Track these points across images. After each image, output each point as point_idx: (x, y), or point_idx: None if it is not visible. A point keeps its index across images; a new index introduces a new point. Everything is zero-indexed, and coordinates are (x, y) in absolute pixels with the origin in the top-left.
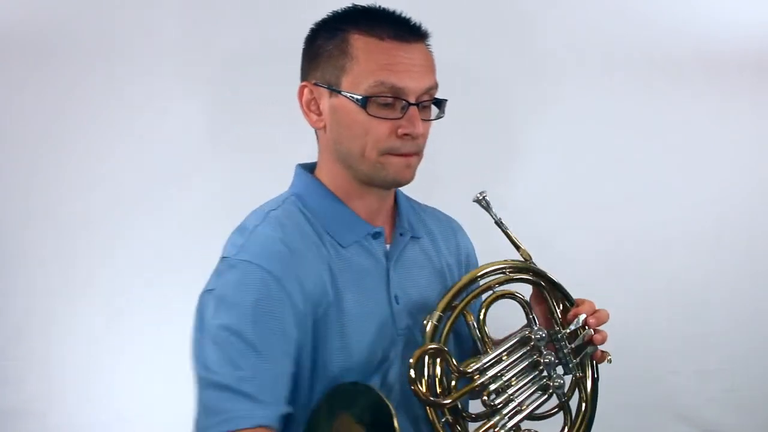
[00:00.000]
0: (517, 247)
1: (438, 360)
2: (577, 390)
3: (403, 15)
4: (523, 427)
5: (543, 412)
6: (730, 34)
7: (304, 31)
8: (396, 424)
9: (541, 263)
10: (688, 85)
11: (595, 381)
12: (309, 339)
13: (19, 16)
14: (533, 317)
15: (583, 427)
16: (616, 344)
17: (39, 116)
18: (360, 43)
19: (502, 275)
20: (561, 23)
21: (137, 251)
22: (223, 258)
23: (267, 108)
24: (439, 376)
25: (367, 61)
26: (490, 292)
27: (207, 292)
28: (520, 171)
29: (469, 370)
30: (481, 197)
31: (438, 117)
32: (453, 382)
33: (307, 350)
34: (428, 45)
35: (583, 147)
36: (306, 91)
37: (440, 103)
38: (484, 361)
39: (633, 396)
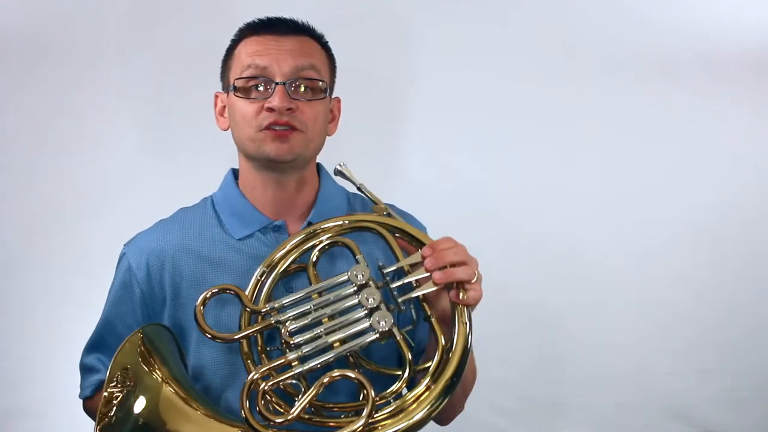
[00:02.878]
0: (375, 203)
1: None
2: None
3: (291, 19)
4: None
5: (391, 371)
6: (730, 34)
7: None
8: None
9: (540, 262)
10: (687, 85)
11: (465, 325)
12: (157, 319)
13: (20, 16)
14: (359, 258)
15: (445, 377)
16: (617, 344)
17: (39, 116)
18: (243, 44)
19: (340, 225)
20: (561, 23)
21: None
22: (124, 245)
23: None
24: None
25: (243, 54)
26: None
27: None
28: (520, 171)
29: (263, 309)
30: (342, 167)
31: (321, 98)
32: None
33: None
34: (318, 39)
35: (582, 147)
36: (218, 99)
37: (325, 89)
38: (286, 300)
39: (633, 396)
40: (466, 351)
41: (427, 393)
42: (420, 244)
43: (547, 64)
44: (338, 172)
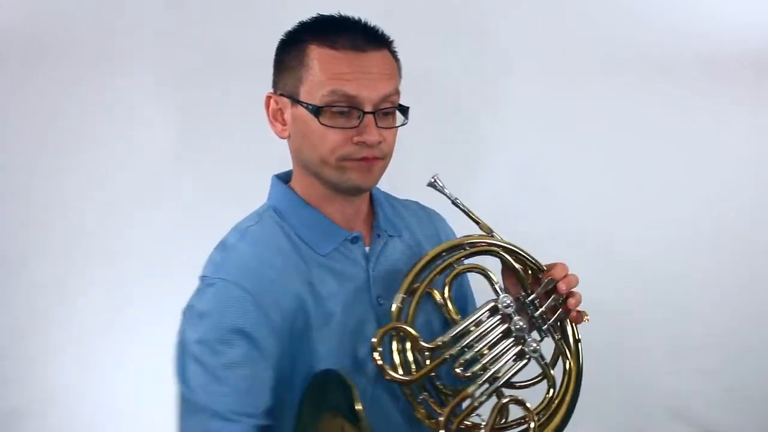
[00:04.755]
0: (477, 222)
1: (406, 340)
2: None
3: (364, 23)
4: (507, 395)
5: (529, 379)
6: (730, 34)
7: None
8: (359, 407)
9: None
10: (687, 85)
11: (577, 342)
12: (288, 350)
13: (20, 16)
14: (498, 287)
15: (571, 389)
16: (617, 344)
17: (39, 116)
18: (315, 54)
19: (462, 251)
20: (561, 23)
21: (137, 251)
22: (202, 277)
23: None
24: (406, 355)
25: (322, 71)
26: (452, 268)
27: (187, 308)
28: (519, 171)
29: (432, 346)
30: (435, 181)
31: (402, 123)
32: (428, 361)
33: (287, 361)
34: (393, 52)
35: (582, 147)
36: (272, 101)
37: (405, 110)
38: (450, 334)
39: (633, 396)
40: (582, 364)
41: (561, 405)
42: (534, 266)
43: (546, 64)
44: (432, 185)
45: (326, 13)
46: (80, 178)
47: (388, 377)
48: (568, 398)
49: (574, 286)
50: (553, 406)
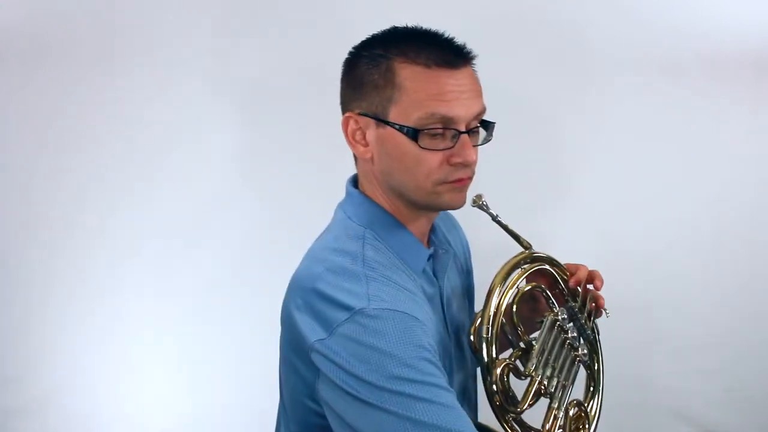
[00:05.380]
0: (518, 239)
1: (506, 370)
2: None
3: (448, 37)
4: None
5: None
6: (730, 34)
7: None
8: None
9: None
10: (687, 85)
11: (596, 334)
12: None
13: (20, 16)
14: (552, 301)
15: (601, 380)
16: (617, 344)
17: (39, 116)
18: (406, 72)
19: (520, 270)
20: (560, 23)
21: (136, 252)
22: (357, 311)
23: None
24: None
25: (416, 92)
26: (515, 289)
27: (366, 352)
28: (518, 171)
29: (528, 372)
30: (479, 201)
31: (486, 141)
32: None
33: None
34: (473, 66)
35: (581, 147)
36: (351, 121)
37: (488, 126)
38: (536, 359)
39: (633, 396)
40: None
41: (595, 398)
42: (561, 271)
43: (546, 64)
44: (477, 205)
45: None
46: (80, 177)
47: (501, 410)
48: (598, 396)
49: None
50: (593, 405)
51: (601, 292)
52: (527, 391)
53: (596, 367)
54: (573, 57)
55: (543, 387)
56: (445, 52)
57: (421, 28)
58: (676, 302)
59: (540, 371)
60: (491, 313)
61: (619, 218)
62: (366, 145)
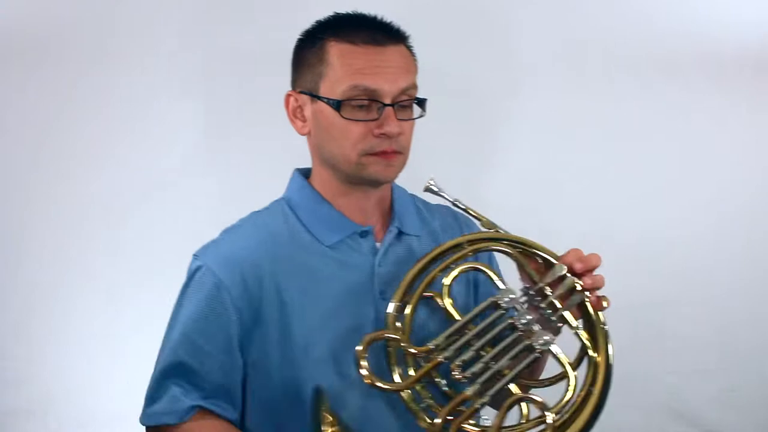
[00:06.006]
0: (479, 219)
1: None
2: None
3: (381, 19)
4: (521, 393)
5: (552, 377)
6: (729, 34)
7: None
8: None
9: None
10: (687, 85)
11: (603, 331)
12: (252, 336)
13: (19, 16)
14: (500, 282)
15: (599, 383)
16: (616, 344)
17: (39, 116)
18: (335, 50)
19: (461, 250)
20: (560, 23)
21: (137, 251)
22: (194, 255)
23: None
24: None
25: (342, 66)
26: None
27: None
28: (517, 172)
29: (424, 350)
30: (431, 184)
31: (420, 116)
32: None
33: (252, 346)
34: (409, 47)
35: (581, 147)
36: (291, 99)
37: (422, 103)
38: (444, 335)
39: (633, 396)
40: (611, 354)
41: (589, 400)
42: (544, 257)
43: (545, 64)
44: (429, 189)
45: (344, 11)
46: (80, 178)
47: (374, 386)
48: (595, 394)
49: (593, 267)
50: (577, 403)
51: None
52: (419, 369)
53: (594, 359)
54: (573, 57)
55: (457, 372)
56: (374, 32)
57: (359, 13)
58: (675, 302)
59: (447, 353)
60: (403, 288)
61: (618, 218)
62: (304, 120)
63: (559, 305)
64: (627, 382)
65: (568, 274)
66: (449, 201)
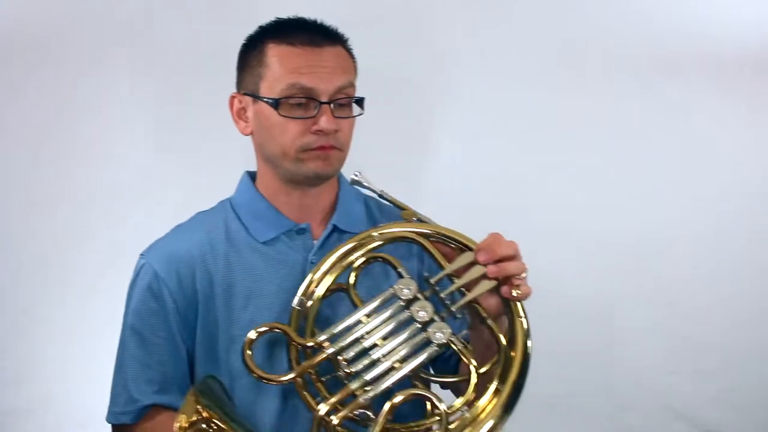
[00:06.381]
0: (402, 209)
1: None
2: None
3: (320, 22)
4: (416, 392)
5: (461, 375)
6: (729, 34)
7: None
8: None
9: (538, 264)
10: (687, 85)
11: (522, 324)
12: (191, 328)
13: (19, 16)
14: (402, 273)
15: (510, 381)
16: (617, 344)
17: (39, 116)
18: (274, 51)
19: (371, 239)
20: (559, 23)
21: (137, 251)
22: (140, 254)
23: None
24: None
25: (280, 67)
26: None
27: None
28: (516, 172)
29: (311, 343)
30: (358, 177)
31: (359, 114)
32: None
33: (192, 337)
34: (348, 49)
35: (581, 147)
36: (235, 101)
37: (360, 102)
38: (333, 331)
39: (633, 396)
40: (528, 347)
41: (496, 398)
42: (460, 245)
43: (545, 64)
44: (355, 182)
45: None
46: (80, 178)
47: (255, 376)
48: (504, 392)
49: (501, 255)
50: (482, 401)
51: (602, 297)
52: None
53: (505, 354)
54: (572, 57)
55: (345, 365)
56: (311, 34)
57: (299, 17)
58: (676, 302)
59: (337, 346)
60: (307, 283)
61: (618, 218)
62: (247, 121)
63: (466, 294)
64: (627, 382)
65: (479, 263)
66: (375, 193)
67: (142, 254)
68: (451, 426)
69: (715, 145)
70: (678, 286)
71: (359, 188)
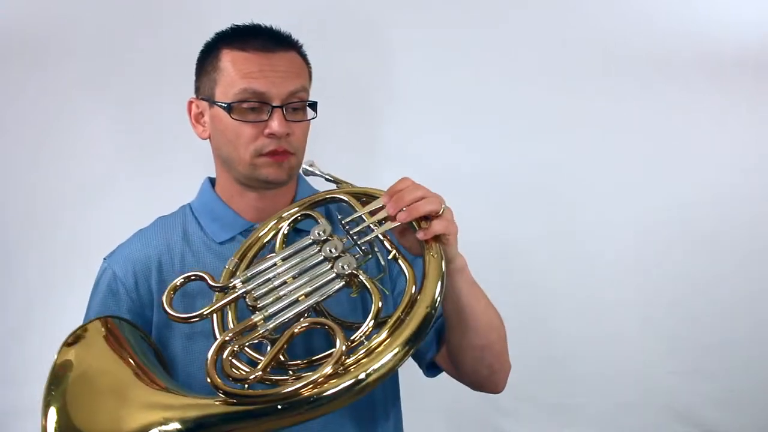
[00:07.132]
0: (339, 183)
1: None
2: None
3: (274, 28)
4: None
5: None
6: (729, 34)
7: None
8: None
9: (538, 264)
10: (687, 85)
11: (437, 265)
12: (148, 327)
13: (19, 16)
14: (320, 220)
15: (413, 322)
16: (617, 344)
17: (39, 116)
18: (227, 57)
19: (297, 210)
20: (559, 23)
21: None
22: (103, 258)
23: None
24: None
25: (234, 71)
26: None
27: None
28: (517, 172)
29: (222, 284)
30: (309, 167)
31: (312, 117)
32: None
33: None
34: (303, 54)
35: (581, 147)
36: (193, 105)
37: (313, 105)
38: (249, 272)
39: (633, 396)
40: (441, 283)
41: (398, 330)
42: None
43: (544, 64)
44: (308, 173)
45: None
46: (80, 178)
47: (169, 316)
48: (405, 331)
49: (408, 201)
50: (375, 341)
51: (602, 297)
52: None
53: (410, 289)
54: (572, 57)
55: (252, 300)
56: (264, 39)
57: (254, 23)
58: (675, 302)
59: (248, 286)
60: (241, 251)
61: (618, 218)
62: (204, 125)
63: (373, 230)
64: (627, 382)
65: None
66: (324, 177)
67: (104, 258)
68: (349, 360)
69: (715, 145)
70: (678, 286)
71: (311, 177)
